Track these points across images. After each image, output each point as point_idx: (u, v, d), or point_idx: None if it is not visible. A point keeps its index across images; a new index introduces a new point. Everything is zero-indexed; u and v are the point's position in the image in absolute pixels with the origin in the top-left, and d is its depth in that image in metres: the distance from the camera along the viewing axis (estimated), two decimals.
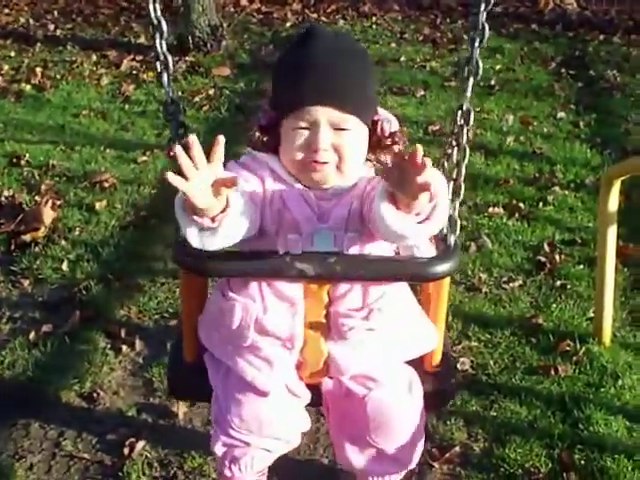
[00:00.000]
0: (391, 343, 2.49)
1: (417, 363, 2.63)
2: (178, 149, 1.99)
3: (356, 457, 2.65)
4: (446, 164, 2.63)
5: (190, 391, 2.81)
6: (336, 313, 2.41)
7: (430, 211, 2.13)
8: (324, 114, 2.23)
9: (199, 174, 2.02)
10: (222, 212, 2.12)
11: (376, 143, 2.37)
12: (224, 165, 2.16)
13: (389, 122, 2.40)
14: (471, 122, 2.40)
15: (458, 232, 2.47)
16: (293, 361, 2.46)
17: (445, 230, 2.46)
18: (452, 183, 2.53)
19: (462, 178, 2.49)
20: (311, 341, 2.43)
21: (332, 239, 2.33)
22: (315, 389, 2.55)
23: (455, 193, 2.50)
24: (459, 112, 2.43)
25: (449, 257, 2.38)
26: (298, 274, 2.29)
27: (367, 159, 2.40)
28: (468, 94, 2.41)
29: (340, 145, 2.26)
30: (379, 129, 2.36)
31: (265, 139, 2.35)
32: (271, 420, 2.49)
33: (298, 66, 2.25)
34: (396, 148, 2.37)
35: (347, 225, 2.35)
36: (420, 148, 1.98)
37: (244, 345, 2.43)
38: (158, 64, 2.45)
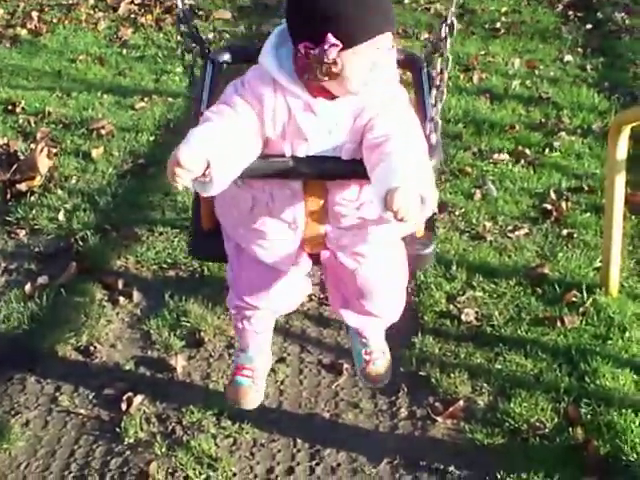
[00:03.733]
0: (379, 227, 2.70)
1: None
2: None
3: (348, 314, 3.04)
4: (431, 70, 2.94)
5: (209, 252, 3.11)
6: (332, 202, 2.62)
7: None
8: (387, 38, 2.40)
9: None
10: (208, 169, 2.32)
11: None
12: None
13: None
14: (454, 34, 2.73)
15: (440, 132, 2.76)
16: (297, 240, 2.71)
17: (428, 130, 2.73)
18: (435, 89, 2.79)
19: (445, 85, 2.77)
20: (311, 224, 2.67)
21: (333, 147, 2.52)
22: (316, 256, 2.83)
23: (438, 97, 2.78)
24: (443, 25, 2.75)
25: (432, 155, 2.62)
26: (299, 175, 2.55)
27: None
28: (453, 9, 2.70)
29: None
30: None
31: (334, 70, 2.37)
32: (278, 288, 2.83)
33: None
34: None
35: (348, 136, 2.52)
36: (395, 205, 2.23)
37: (254, 226, 2.68)
38: None
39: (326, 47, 2.31)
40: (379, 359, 3.32)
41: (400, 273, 2.92)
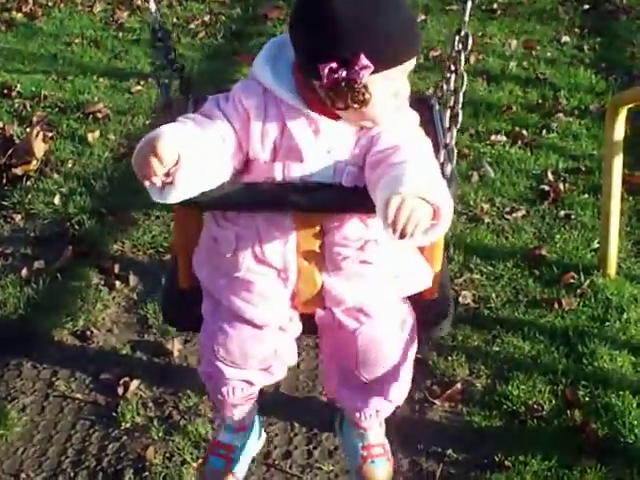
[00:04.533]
0: (386, 278, 2.41)
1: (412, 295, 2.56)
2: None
3: (345, 393, 2.65)
4: (445, 90, 2.59)
5: (185, 320, 2.67)
6: (331, 243, 2.31)
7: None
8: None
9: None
10: (175, 166, 2.04)
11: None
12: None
13: None
14: (469, 48, 2.37)
15: (455, 162, 2.39)
16: (288, 293, 2.37)
17: (442, 159, 2.39)
18: (449, 110, 2.46)
19: (460, 105, 2.39)
20: (305, 271, 2.33)
21: (332, 170, 2.22)
22: (310, 318, 2.46)
23: (453, 121, 2.39)
24: (457, 37, 2.41)
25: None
26: (289, 206, 2.23)
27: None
28: (466, 19, 2.37)
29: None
30: None
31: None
32: (257, 352, 2.44)
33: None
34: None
35: (350, 155, 2.24)
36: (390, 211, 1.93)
37: (237, 275, 2.34)
38: None
39: (357, 69, 2.03)
40: (379, 457, 2.88)
41: (409, 338, 2.51)
